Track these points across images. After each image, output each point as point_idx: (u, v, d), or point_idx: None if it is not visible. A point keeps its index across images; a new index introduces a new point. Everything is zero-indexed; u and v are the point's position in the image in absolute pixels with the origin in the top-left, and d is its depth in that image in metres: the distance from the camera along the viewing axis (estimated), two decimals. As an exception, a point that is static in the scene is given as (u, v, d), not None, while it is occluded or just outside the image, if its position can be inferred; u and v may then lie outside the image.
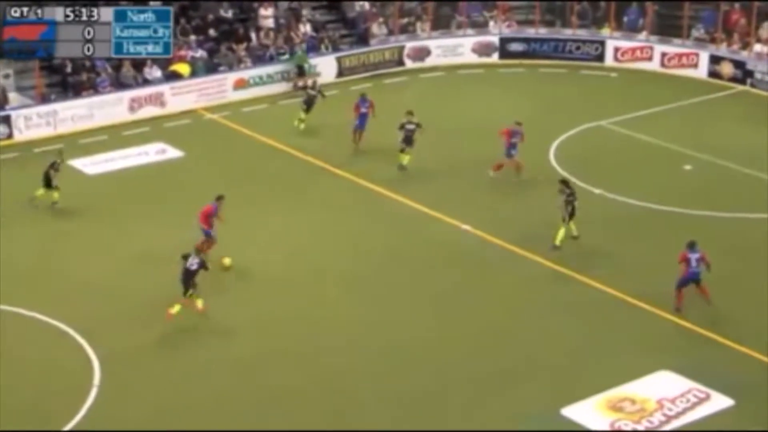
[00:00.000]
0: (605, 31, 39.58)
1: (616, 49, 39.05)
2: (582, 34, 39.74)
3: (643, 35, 39.21)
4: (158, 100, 34.45)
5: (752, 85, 36.73)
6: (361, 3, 39.94)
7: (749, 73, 36.86)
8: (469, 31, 40.07)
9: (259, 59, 36.80)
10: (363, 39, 38.98)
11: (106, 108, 33.58)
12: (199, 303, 22.24)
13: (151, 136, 32.53)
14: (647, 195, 27.89)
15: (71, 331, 21.64)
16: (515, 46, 39.71)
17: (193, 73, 35.43)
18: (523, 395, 19.78)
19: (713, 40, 38.21)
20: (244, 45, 36.92)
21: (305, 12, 39.25)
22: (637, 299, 22.98)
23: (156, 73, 34.92)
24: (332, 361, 20.82)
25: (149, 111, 34.16)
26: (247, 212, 27.02)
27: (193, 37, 36.32)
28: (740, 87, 36.83)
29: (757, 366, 20.66)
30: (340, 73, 37.68)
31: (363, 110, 30.98)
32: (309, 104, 32.57)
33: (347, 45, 38.71)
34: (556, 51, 39.44)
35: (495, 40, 39.76)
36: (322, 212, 27.33)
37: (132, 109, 34.03)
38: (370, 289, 23.67)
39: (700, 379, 19.98)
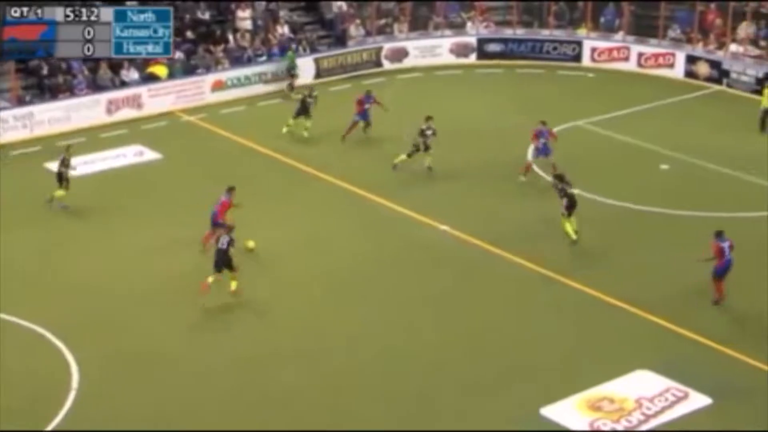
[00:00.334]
0: (582, 32, 39.73)
1: (593, 50, 39.19)
2: (559, 34, 39.87)
3: (619, 35, 39.37)
4: (135, 102, 34.33)
5: (728, 85, 36.94)
6: (338, 4, 39.93)
7: (725, 73, 37.06)
8: (447, 31, 40.13)
9: (236, 61, 36.74)
10: (341, 40, 38.97)
11: (83, 110, 33.44)
12: (233, 284, 22.79)
13: (128, 138, 32.41)
14: (625, 195, 28.01)
15: (48, 334, 21.54)
16: (493, 47, 39.80)
17: (171, 75, 35.32)
18: (503, 396, 19.82)
19: (689, 41, 38.41)
20: (222, 46, 36.85)
21: (283, 13, 39.20)
22: (616, 299, 23.07)
23: (133, 75, 34.80)
24: (319, 364, 20.81)
25: (126, 113, 34.03)
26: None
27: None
28: (716, 87, 37.03)
29: (734, 365, 20.77)
30: (318, 74, 37.66)
31: (366, 106, 31.65)
32: (305, 111, 31.87)
33: (325, 46, 38.69)
34: (534, 51, 39.55)
35: (472, 40, 39.84)
36: (302, 214, 27.30)
37: (109, 111, 33.90)
38: (350, 292, 23.66)
39: (678, 378, 20.08)
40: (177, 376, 20.46)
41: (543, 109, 33.97)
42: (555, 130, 29.95)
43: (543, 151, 28.95)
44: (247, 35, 37.66)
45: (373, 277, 24.30)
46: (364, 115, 31.77)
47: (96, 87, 34.23)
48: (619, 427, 18.98)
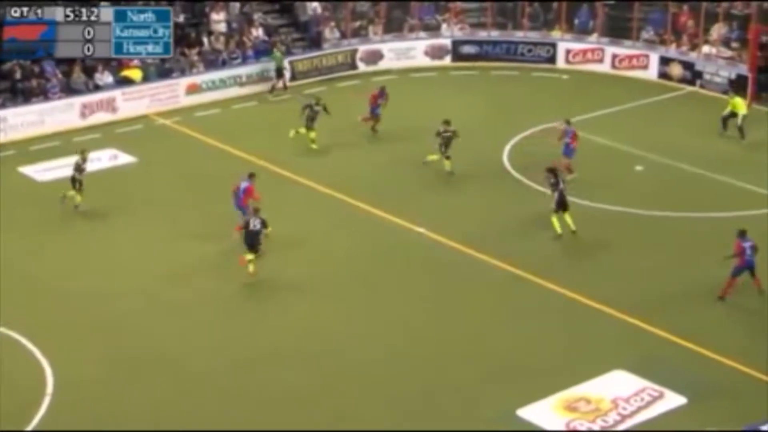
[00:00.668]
0: (556, 34, 39.87)
1: (568, 51, 39.34)
2: (533, 36, 40.00)
3: (593, 37, 39.53)
4: (110, 105, 34.19)
5: (701, 86, 37.14)
6: (313, 6, 39.90)
7: (698, 74, 37.28)
8: (422, 34, 40.18)
9: (211, 64, 36.65)
10: (316, 43, 38.95)
11: (57, 114, 33.28)
12: (251, 267, 23.58)
13: (103, 141, 32.27)
14: (599, 196, 28.11)
15: (22, 339, 21.41)
16: (467, 49, 39.88)
17: (145, 79, 35.21)
18: (479, 397, 19.85)
19: (663, 42, 38.61)
20: (197, 49, 36.75)
21: (257, 16, 39.14)
22: (591, 300, 23.15)
23: (107, 78, 34.66)
24: (291, 373, 20.79)
25: (101, 117, 33.89)
26: (204, 215, 26.96)
27: (144, 42, 36.12)
28: (690, 88, 37.23)
29: (708, 364, 20.88)
30: (294, 76, 37.61)
31: (380, 101, 32.39)
32: (312, 120, 31.31)
33: (300, 49, 38.65)
34: (508, 53, 39.65)
35: (447, 42, 39.91)
36: (276, 217, 27.22)
37: (83, 115, 33.75)
38: (327, 296, 23.66)
39: (653, 378, 20.17)
40: (155, 380, 20.37)
41: (518, 111, 34.15)
42: (530, 131, 30.05)
43: (565, 152, 29.08)
44: (222, 38, 37.57)
45: (347, 280, 24.28)
46: (376, 109, 32.40)
47: (70, 91, 34.06)
48: (596, 427, 19.04)
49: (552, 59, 39.39)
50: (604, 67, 38.88)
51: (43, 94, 33.63)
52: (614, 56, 38.80)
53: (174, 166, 30.70)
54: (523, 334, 22.02)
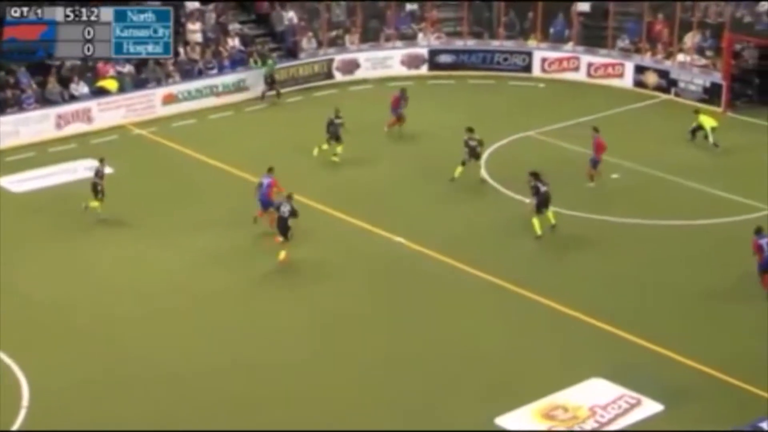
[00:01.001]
0: (532, 42, 40.00)
1: (543, 60, 39.48)
2: (509, 45, 40.11)
3: (569, 46, 39.69)
4: (85, 116, 34.06)
5: (676, 94, 37.35)
6: (289, 16, 39.88)
7: (673, 83, 37.49)
8: (398, 43, 40.23)
9: (187, 74, 36.57)
10: (292, 53, 38.92)
11: (32, 125, 33.12)
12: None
13: (78, 152, 32.13)
14: (575, 204, 28.20)
15: (-3, 352, 21.34)
16: (444, 58, 39.96)
17: (121, 89, 35.09)
18: (457, 405, 19.86)
19: (638, 51, 38.81)
20: (172, 59, 36.61)
21: (233, 26, 39.08)
22: (569, 308, 23.21)
23: (83, 89, 34.53)
24: (258, 380, 20.74)
25: (76, 127, 33.75)
26: (180, 224, 26.90)
27: (120, 52, 35.95)
28: (665, 96, 37.42)
29: (685, 370, 20.98)
30: (271, 86, 37.52)
31: (402, 103, 33.23)
32: (337, 136, 31.09)
33: (277, 59, 38.60)
34: (485, 62, 39.76)
35: (424, 52, 39.98)
36: (255, 227, 27.23)
37: (59, 125, 33.60)
38: (301, 306, 23.63)
39: (631, 386, 20.25)
40: (129, 393, 20.27)
41: (494, 120, 34.22)
42: (507, 140, 30.13)
43: (591, 161, 29.45)
44: (198, 48, 37.50)
45: (324, 289, 24.25)
46: (397, 111, 33.01)
47: (45, 101, 33.90)
48: (573, 435, 19.11)
49: (528, 68, 39.52)
50: (580, 76, 39.05)
51: (18, 105, 33.45)
52: (590, 65, 38.98)
53: (150, 177, 30.58)
54: (500, 343, 22.05)
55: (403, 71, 39.61)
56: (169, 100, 35.65)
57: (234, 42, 38.30)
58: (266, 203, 26.44)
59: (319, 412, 19.68)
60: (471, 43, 40.38)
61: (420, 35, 40.60)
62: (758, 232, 23.82)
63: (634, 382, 20.31)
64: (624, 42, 39.15)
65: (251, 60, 37.55)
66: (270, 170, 26.87)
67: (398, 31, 40.50)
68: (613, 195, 29.33)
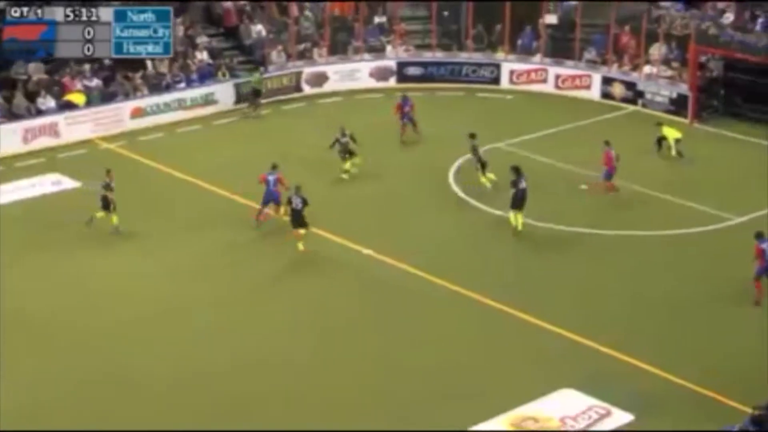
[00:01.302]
0: (500, 55, 40.17)
1: (512, 72, 39.65)
2: (478, 57, 40.25)
3: (537, 58, 39.88)
4: (52, 130, 33.83)
5: (643, 105, 37.61)
6: (257, 29, 39.84)
7: (640, 94, 37.75)
8: (366, 56, 40.28)
9: (155, 87, 36.42)
10: (260, 65, 38.84)
11: (-1, 139, 32.91)
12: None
13: (45, 167, 31.93)
14: (544, 215, 28.30)
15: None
16: (412, 70, 40.04)
17: (89, 103, 34.89)
18: (428, 417, 19.84)
19: (605, 62, 39.06)
20: (140, 73, 36.47)
21: (202, 39, 38.97)
22: (538, 318, 23.28)
23: (50, 103, 34.29)
24: (232, 387, 20.67)
25: (43, 141, 33.52)
26: (149, 237, 26.79)
27: (87, 66, 35.68)
28: (632, 107, 37.68)
29: (656, 381, 21.08)
30: (239, 99, 37.49)
31: (406, 109, 33.60)
32: (349, 151, 30.87)
33: (245, 72, 38.53)
34: (453, 74, 39.89)
35: (392, 64, 40.05)
36: (224, 240, 27.15)
37: (26, 140, 33.35)
38: (271, 319, 23.57)
39: (601, 396, 20.32)
40: (107, 401, 20.22)
41: (463, 132, 34.25)
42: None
43: (604, 173, 29.69)
44: (166, 61, 37.33)
45: (298, 302, 24.21)
46: (407, 116, 33.42)
47: (11, 116, 33.64)
48: (544, 446, 19.14)
49: (496, 80, 39.68)
50: (548, 87, 39.24)
51: (-16, 119, 33.25)
52: (557, 76, 39.18)
53: (118, 190, 30.32)
54: (470, 354, 22.07)
55: (372, 83, 39.66)
56: (137, 113, 35.48)
57: (202, 55, 38.20)
58: (277, 199, 27.08)
59: (286, 421, 19.61)
60: (439, 56, 40.49)
61: (388, 48, 40.67)
62: (759, 236, 23.62)
63: (604, 392, 20.38)
64: (591, 54, 39.39)
65: (219, 73, 37.51)
66: (274, 166, 27.23)
67: (366, 43, 40.55)
68: (581, 206, 29.44)
